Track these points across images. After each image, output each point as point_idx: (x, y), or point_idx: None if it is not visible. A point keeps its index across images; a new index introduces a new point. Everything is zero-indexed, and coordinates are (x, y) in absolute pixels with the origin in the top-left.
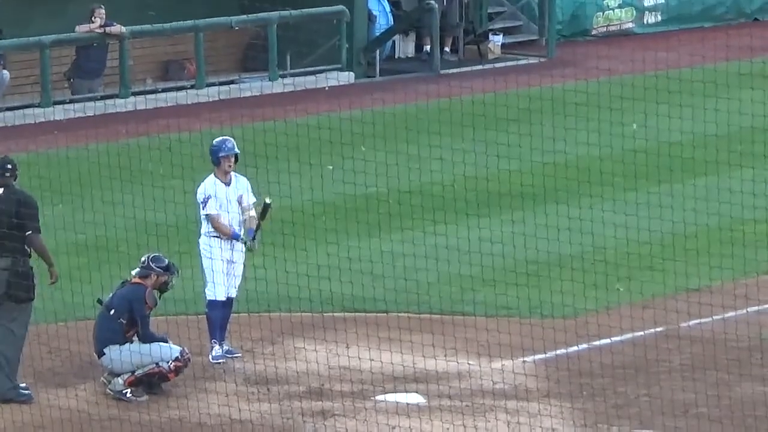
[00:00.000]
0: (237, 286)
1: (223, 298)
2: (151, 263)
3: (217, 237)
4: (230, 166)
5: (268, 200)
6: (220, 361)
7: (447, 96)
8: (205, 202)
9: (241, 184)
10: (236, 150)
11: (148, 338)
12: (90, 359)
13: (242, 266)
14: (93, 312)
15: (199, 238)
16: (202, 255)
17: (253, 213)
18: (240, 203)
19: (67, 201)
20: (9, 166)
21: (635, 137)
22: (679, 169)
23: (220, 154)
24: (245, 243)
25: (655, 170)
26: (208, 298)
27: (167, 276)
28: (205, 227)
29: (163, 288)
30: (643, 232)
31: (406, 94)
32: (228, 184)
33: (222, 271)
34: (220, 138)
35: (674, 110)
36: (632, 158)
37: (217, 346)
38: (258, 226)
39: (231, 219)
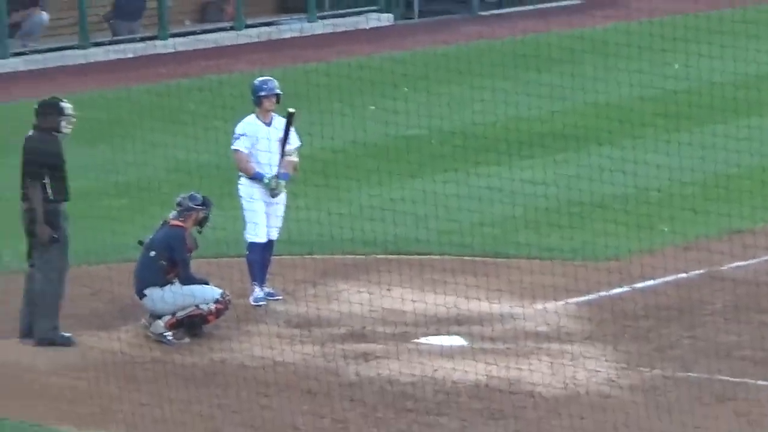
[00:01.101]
0: (278, 228)
1: (264, 240)
2: (189, 203)
3: (253, 180)
4: (271, 105)
5: (291, 110)
6: (260, 303)
7: (487, 37)
8: (236, 139)
9: (282, 126)
10: (277, 90)
11: (188, 280)
12: (131, 301)
13: (283, 207)
14: (135, 253)
15: (239, 179)
16: (241, 197)
17: (294, 158)
18: (282, 145)
19: (109, 142)
20: (35, 107)
21: (677, 78)
22: (722, 109)
23: (261, 94)
24: (268, 183)
25: (697, 111)
26: (249, 240)
27: (206, 211)
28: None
29: (203, 223)
30: (686, 172)
31: (446, 35)
32: (269, 124)
33: (262, 212)
34: (262, 78)
35: (716, 50)
36: (674, 99)
37: (257, 289)
38: (286, 136)
39: (270, 158)
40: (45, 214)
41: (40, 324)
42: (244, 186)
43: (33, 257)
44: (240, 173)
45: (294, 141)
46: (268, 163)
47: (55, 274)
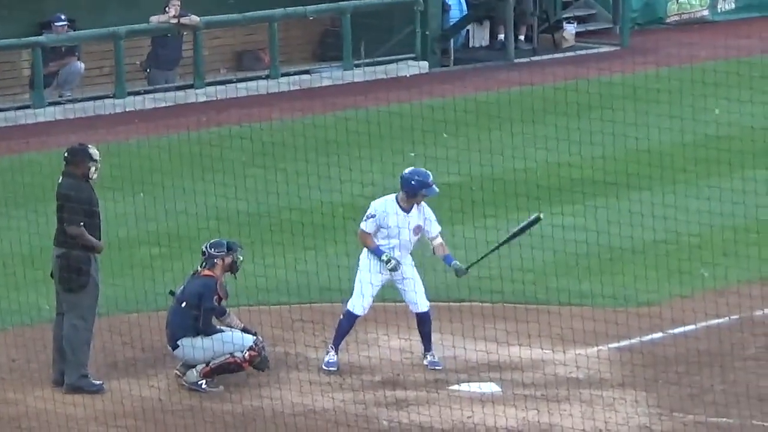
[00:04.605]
0: (424, 295)
1: (360, 313)
2: (211, 251)
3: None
4: (422, 200)
5: (541, 215)
6: (331, 369)
7: (523, 84)
8: (365, 218)
9: (421, 214)
10: (437, 190)
11: (208, 331)
12: (165, 350)
13: (413, 280)
14: (169, 302)
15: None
16: (359, 264)
17: (439, 241)
18: (416, 233)
19: (146, 191)
20: (65, 155)
21: (717, 123)
22: (760, 154)
23: (423, 191)
24: (387, 262)
25: (735, 156)
26: (347, 307)
27: (232, 255)
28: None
29: (233, 269)
30: (724, 217)
31: (482, 83)
32: (408, 211)
33: (372, 286)
34: (424, 171)
35: (757, 96)
36: (713, 144)
37: (332, 353)
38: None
39: (401, 245)
40: (75, 260)
41: (69, 372)
42: (364, 257)
43: (61, 305)
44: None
45: (434, 228)
46: (398, 247)
47: (82, 322)
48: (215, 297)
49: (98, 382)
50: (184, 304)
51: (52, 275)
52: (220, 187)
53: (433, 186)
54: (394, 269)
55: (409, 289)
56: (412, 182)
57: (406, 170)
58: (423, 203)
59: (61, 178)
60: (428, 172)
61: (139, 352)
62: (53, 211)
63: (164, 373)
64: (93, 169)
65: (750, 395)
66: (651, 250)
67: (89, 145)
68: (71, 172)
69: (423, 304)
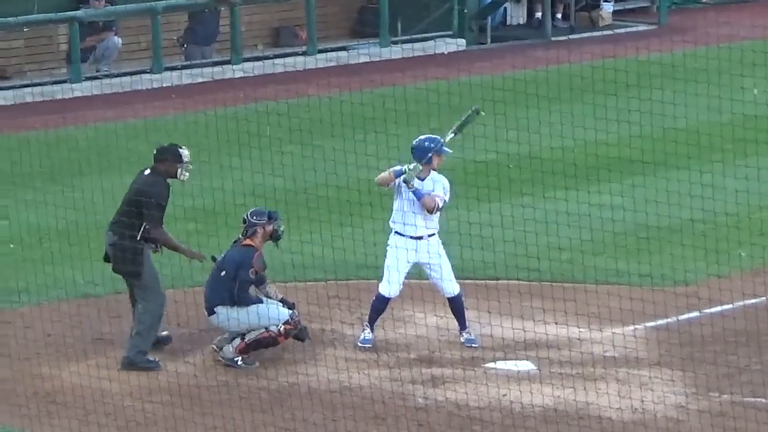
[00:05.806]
0: (451, 281)
1: (388, 295)
2: (252, 218)
3: (401, 235)
4: (439, 163)
5: (477, 108)
6: (366, 345)
7: (561, 62)
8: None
9: (436, 183)
10: (447, 149)
11: (244, 302)
12: (201, 326)
13: (440, 258)
14: (203, 277)
15: (391, 231)
16: (388, 247)
17: (433, 199)
18: None
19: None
20: (154, 152)
21: (755, 103)
22: None
23: (431, 153)
24: (407, 173)
25: None
26: (379, 290)
27: (273, 224)
28: (391, 222)
29: (275, 237)
30: (762, 197)
31: (519, 61)
32: (423, 179)
33: (401, 268)
34: (425, 136)
35: None
36: (753, 124)
37: (367, 331)
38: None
39: (414, 216)
40: (127, 248)
41: (129, 345)
42: (391, 239)
43: (134, 293)
44: (392, 226)
45: (438, 190)
46: (413, 223)
47: (148, 304)
48: (252, 270)
49: (154, 359)
50: (223, 273)
51: (105, 259)
52: (257, 163)
53: (439, 144)
54: (406, 179)
55: (436, 275)
56: (425, 145)
57: (415, 140)
58: (439, 176)
59: (147, 170)
60: (436, 137)
61: (174, 328)
62: (89, 186)
63: (200, 348)
64: (181, 170)
65: None
66: (687, 229)
67: (180, 146)
68: (156, 168)
69: (452, 289)
